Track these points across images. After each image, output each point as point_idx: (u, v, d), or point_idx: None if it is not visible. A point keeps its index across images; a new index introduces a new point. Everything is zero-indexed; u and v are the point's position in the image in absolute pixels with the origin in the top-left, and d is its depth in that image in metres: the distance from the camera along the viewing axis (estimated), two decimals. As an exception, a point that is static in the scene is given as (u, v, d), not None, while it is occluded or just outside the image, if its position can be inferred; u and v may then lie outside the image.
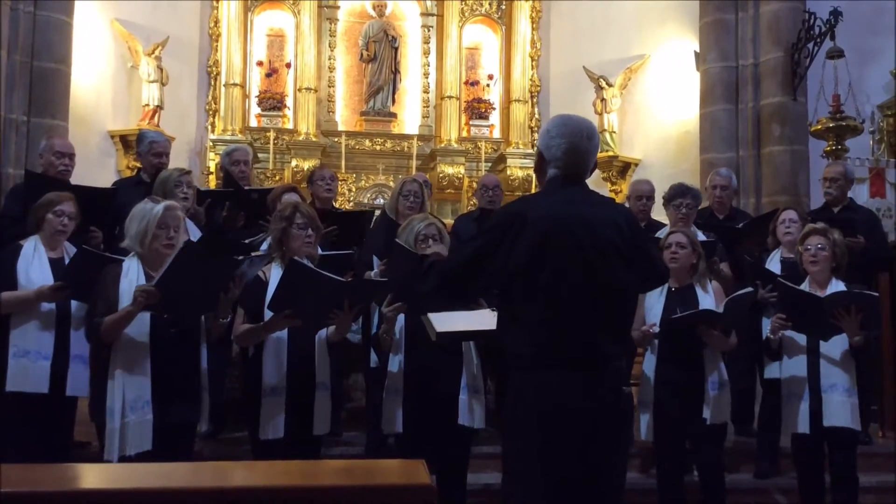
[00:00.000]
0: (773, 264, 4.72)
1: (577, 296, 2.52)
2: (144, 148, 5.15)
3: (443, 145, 9.32)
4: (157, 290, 3.20)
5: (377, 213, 5.38)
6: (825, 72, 7.34)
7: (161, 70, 8.72)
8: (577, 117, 2.73)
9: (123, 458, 3.17)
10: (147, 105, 8.66)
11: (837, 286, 3.99)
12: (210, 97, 9.29)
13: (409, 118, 9.70)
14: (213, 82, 9.30)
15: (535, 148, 2.74)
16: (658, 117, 9.24)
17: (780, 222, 4.84)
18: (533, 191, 9.07)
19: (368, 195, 9.05)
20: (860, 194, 7.56)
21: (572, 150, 2.64)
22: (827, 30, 6.95)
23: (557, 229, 2.54)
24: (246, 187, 5.21)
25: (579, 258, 2.53)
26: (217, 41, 9.30)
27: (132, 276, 3.32)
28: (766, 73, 7.52)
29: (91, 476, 2.09)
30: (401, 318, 3.64)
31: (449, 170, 9.17)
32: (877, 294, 4.14)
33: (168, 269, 3.20)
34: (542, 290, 2.53)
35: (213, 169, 8.46)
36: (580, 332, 2.54)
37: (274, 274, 3.52)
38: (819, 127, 7.43)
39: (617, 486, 2.66)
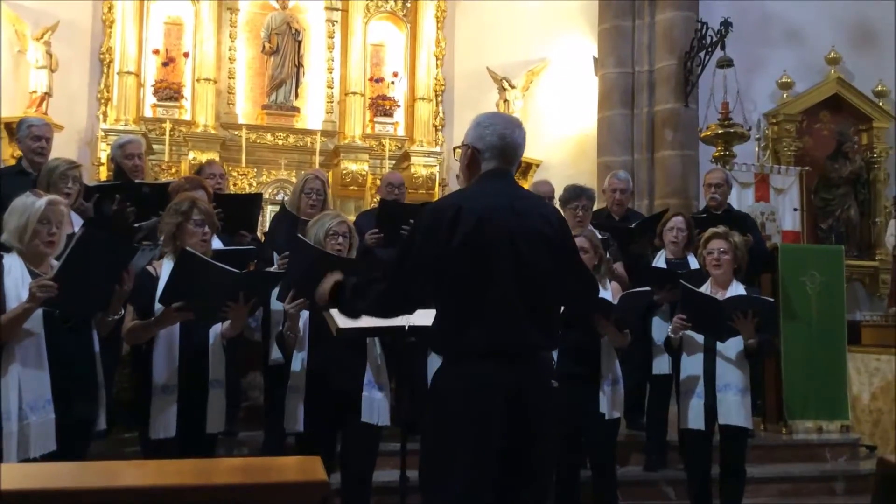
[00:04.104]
0: (659, 265, 4.97)
1: (506, 286, 2.48)
2: (23, 132, 4.85)
3: (346, 142, 9.23)
4: (55, 283, 3.02)
5: (276, 209, 5.28)
6: (715, 80, 7.68)
7: (50, 56, 8.36)
8: (503, 113, 2.74)
9: (25, 461, 2.98)
10: (35, 92, 8.29)
11: (737, 288, 4.15)
12: (102, 85, 8.92)
13: (312, 113, 9.57)
14: (105, 70, 8.93)
15: (464, 145, 2.69)
16: (559, 120, 9.43)
17: (669, 228, 5.06)
18: (437, 190, 9.14)
19: (270, 190, 8.88)
20: (746, 198, 7.95)
21: (503, 137, 2.63)
22: (718, 40, 7.27)
23: (490, 218, 2.50)
24: (137, 181, 5.03)
25: (509, 247, 2.50)
26: (111, 27, 8.94)
27: (15, 273, 3.13)
28: (661, 80, 7.81)
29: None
30: (304, 314, 3.58)
31: (352, 166, 9.10)
32: (772, 300, 4.36)
33: (67, 260, 3.03)
34: (473, 280, 2.49)
35: (104, 160, 8.13)
36: (507, 322, 2.48)
37: (165, 268, 3.41)
38: (709, 133, 7.78)
39: (546, 481, 2.64)
